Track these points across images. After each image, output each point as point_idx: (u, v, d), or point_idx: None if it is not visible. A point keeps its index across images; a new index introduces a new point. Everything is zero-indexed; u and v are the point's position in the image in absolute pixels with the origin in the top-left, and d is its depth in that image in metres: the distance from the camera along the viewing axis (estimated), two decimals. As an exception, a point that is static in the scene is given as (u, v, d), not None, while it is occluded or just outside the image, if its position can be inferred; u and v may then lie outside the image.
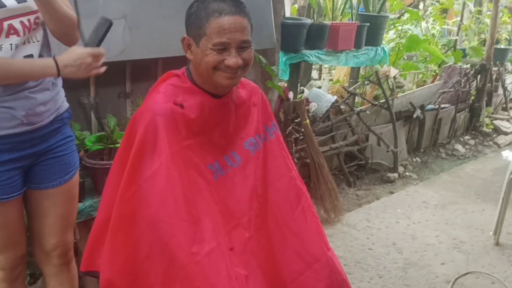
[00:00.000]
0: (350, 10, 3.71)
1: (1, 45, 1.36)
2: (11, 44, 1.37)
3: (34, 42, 1.45)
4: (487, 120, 5.28)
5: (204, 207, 1.38)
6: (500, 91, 5.50)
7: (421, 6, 5.11)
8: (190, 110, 1.41)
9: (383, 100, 3.94)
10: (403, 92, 4.48)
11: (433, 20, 5.43)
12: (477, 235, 3.08)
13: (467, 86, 4.87)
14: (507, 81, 5.66)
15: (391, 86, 4.04)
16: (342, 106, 3.71)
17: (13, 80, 1.39)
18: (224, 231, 1.40)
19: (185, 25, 1.40)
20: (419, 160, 4.43)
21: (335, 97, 3.47)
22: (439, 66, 5.24)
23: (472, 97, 5.02)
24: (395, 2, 4.51)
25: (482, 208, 3.50)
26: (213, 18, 1.31)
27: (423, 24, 5.31)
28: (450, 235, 3.06)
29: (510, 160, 4.61)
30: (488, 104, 5.35)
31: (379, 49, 3.81)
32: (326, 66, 5.10)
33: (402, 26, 4.42)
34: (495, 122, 5.36)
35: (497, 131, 5.29)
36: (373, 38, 3.73)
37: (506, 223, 3.02)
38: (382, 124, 4.06)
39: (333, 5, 3.46)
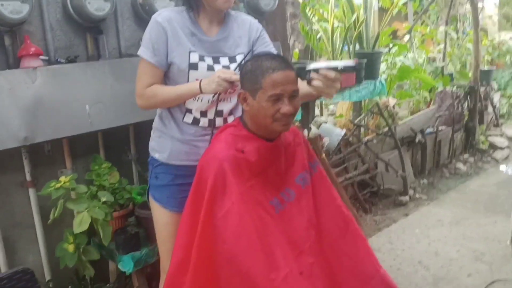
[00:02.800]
0: (346, 49, 4.00)
1: (202, 98, 1.76)
2: (209, 99, 1.76)
3: (228, 102, 1.83)
4: (482, 138, 5.55)
5: (274, 239, 1.56)
6: (490, 109, 5.81)
7: (406, 38, 5.44)
8: (250, 154, 1.62)
9: (386, 129, 4.19)
10: (400, 120, 4.75)
11: (419, 50, 5.77)
12: (495, 246, 3.26)
13: (460, 108, 5.16)
14: (495, 100, 5.98)
15: (391, 115, 4.30)
16: (350, 138, 3.94)
17: (174, 102, 1.77)
18: (292, 259, 1.58)
19: (241, 81, 1.63)
20: (426, 181, 4.65)
21: (344, 130, 3.71)
22: (430, 91, 5.54)
23: (466, 118, 5.30)
24: (383, 38, 4.82)
25: (494, 220, 3.70)
26: (268, 74, 1.54)
27: (409, 54, 5.64)
28: (469, 248, 3.24)
29: (511, 173, 4.86)
30: (481, 122, 5.63)
31: (377, 82, 4.07)
32: (324, 102, 5.36)
33: (393, 59, 4.72)
34: (490, 138, 5.64)
35: (493, 147, 5.55)
36: (371, 73, 3.99)
37: (520, 232, 3.21)
38: (388, 151, 4.29)
39: (332, 45, 3.73)
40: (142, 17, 2.47)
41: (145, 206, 2.35)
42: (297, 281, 1.53)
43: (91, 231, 2.20)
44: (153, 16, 1.75)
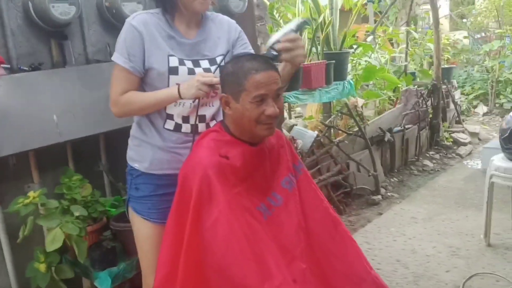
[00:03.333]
0: (315, 51, 3.99)
1: (184, 102, 1.68)
2: (190, 103, 1.68)
3: (210, 106, 1.75)
4: (446, 134, 5.68)
5: (265, 246, 1.50)
6: (452, 106, 5.96)
7: (369, 39, 5.51)
8: (235, 160, 1.55)
9: (357, 129, 4.20)
10: (368, 120, 4.79)
11: (381, 50, 5.86)
12: (469, 240, 3.31)
13: (424, 106, 5.26)
14: (456, 97, 6.14)
15: (360, 115, 4.32)
16: (321, 140, 3.93)
17: (152, 108, 1.68)
18: (284, 266, 1.52)
19: (222, 84, 1.56)
20: (396, 179, 4.70)
21: (316, 132, 3.69)
22: (394, 91, 5.63)
23: (430, 115, 5.41)
24: (348, 39, 4.86)
25: (465, 215, 3.76)
26: (251, 75, 1.49)
27: (373, 55, 5.72)
28: (445, 244, 3.28)
29: (476, 167, 4.98)
30: (444, 119, 5.77)
31: (346, 83, 4.08)
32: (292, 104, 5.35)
33: (360, 59, 4.76)
34: (453, 135, 5.78)
35: (456, 143, 5.69)
36: (340, 74, 4.00)
37: (492, 225, 3.26)
38: (359, 151, 4.31)
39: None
40: (109, 21, 2.37)
41: (120, 218, 2.24)
42: (291, 289, 1.47)
43: (63, 248, 2.07)
44: (127, 20, 1.66)
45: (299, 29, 1.63)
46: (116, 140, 2.48)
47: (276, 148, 1.71)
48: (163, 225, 1.73)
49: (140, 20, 1.65)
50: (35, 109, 2.01)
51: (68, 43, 2.24)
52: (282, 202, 1.65)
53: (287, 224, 1.62)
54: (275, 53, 1.59)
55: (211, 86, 1.59)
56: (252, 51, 1.84)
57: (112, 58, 1.67)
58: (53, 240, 1.88)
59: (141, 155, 1.77)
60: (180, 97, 1.62)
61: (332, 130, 4.18)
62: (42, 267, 2.04)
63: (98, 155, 2.47)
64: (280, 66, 1.65)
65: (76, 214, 1.99)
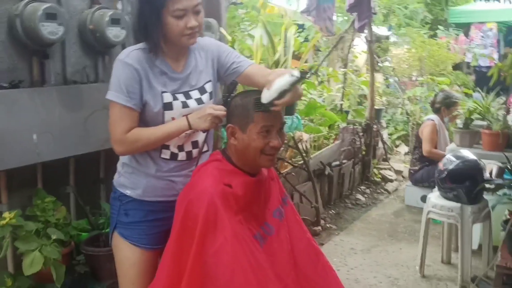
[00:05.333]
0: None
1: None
2: (186, 133, 1.72)
3: (202, 133, 1.78)
4: (375, 171, 6.08)
5: (266, 275, 1.58)
6: (380, 144, 6.41)
7: (309, 77, 5.82)
8: (237, 188, 1.64)
9: (301, 162, 4.41)
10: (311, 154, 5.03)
11: (320, 88, 6.20)
12: (405, 271, 3.58)
13: (359, 143, 5.62)
14: (384, 136, 6.61)
15: (305, 149, 4.54)
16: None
17: (160, 142, 1.71)
18: (281, 293, 1.61)
19: (229, 115, 1.66)
20: (333, 211, 4.95)
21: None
22: (329, 127, 5.96)
23: (363, 152, 5.78)
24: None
25: (399, 247, 4.06)
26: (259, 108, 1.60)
27: (314, 92, 6.03)
28: (384, 274, 3.52)
29: (402, 203, 5.38)
30: (374, 156, 6.18)
31: (294, 118, 4.30)
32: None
33: (305, 96, 5.02)
34: (381, 171, 6.19)
35: (384, 179, 6.11)
36: (289, 109, 4.20)
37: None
38: (302, 183, 4.51)
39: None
40: (90, 43, 2.37)
41: (91, 242, 2.21)
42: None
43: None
44: (120, 58, 1.67)
45: (294, 85, 1.59)
46: (85, 163, 2.47)
47: (268, 180, 1.82)
48: (151, 250, 1.76)
49: (134, 57, 1.67)
50: (15, 127, 1.96)
51: (49, 63, 2.21)
52: (274, 232, 1.75)
53: (279, 253, 1.72)
54: (268, 111, 1.60)
55: (221, 118, 1.67)
56: (238, 56, 1.86)
57: (109, 97, 1.66)
58: (31, 263, 1.82)
59: (134, 182, 1.78)
60: (190, 129, 1.68)
61: (279, 162, 4.34)
62: (9, 292, 1.95)
63: (66, 177, 2.42)
64: None
65: (54, 237, 1.94)
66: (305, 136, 4.53)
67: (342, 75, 6.12)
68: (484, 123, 3.78)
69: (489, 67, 8.18)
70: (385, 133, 6.80)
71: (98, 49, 2.38)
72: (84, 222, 2.32)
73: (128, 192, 1.78)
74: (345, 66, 6.12)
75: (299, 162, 4.46)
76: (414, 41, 8.41)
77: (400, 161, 7.43)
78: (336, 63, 6.86)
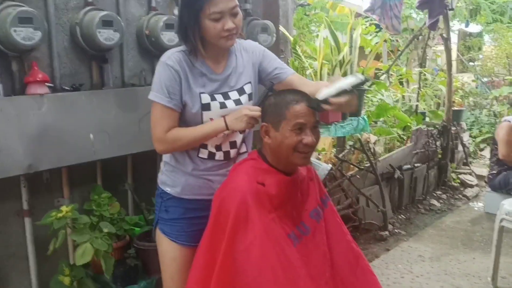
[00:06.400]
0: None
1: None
2: (224, 133, 1.75)
3: (239, 133, 1.83)
4: (453, 175, 5.75)
5: (296, 273, 1.57)
6: (460, 148, 6.05)
7: (382, 77, 5.65)
8: (270, 187, 1.64)
9: (368, 164, 4.29)
10: (379, 156, 4.87)
11: (394, 89, 5.99)
12: (476, 282, 3.35)
13: (434, 146, 5.35)
14: (464, 139, 6.23)
15: (372, 151, 4.41)
16: (334, 173, 4.01)
17: (198, 142, 1.76)
18: (313, 293, 1.59)
19: (263, 114, 1.67)
20: (403, 217, 4.75)
21: (330, 165, 3.77)
22: (403, 129, 5.74)
23: (439, 155, 5.49)
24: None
25: (472, 256, 3.80)
26: (291, 105, 1.60)
27: (386, 93, 5.85)
28: (452, 284, 3.31)
29: (482, 210, 5.03)
30: (452, 160, 5.84)
31: (361, 119, 4.19)
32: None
33: (373, 96, 4.88)
34: (460, 176, 5.84)
35: (463, 184, 5.75)
36: (355, 110, 4.12)
37: (499, 268, 3.31)
38: (368, 186, 4.38)
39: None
40: (147, 48, 2.49)
41: (144, 237, 2.31)
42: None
43: (85, 263, 2.13)
44: (162, 60, 1.73)
45: (356, 88, 1.58)
46: (142, 162, 2.59)
47: (306, 180, 1.80)
48: (190, 247, 1.80)
49: (176, 59, 1.72)
50: (74, 127, 2.11)
51: (108, 67, 2.35)
52: (310, 232, 1.73)
53: (314, 253, 1.70)
54: (320, 110, 1.61)
55: (257, 118, 1.69)
56: (282, 63, 1.89)
57: (151, 98, 1.72)
58: (83, 254, 1.94)
59: (174, 180, 1.84)
60: (227, 129, 1.71)
61: (344, 164, 4.26)
62: (67, 280, 2.10)
63: (124, 175, 2.56)
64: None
65: (105, 230, 2.06)
66: (373, 138, 4.40)
67: (418, 75, 5.86)
68: None
69: None
70: (466, 136, 6.41)
71: (154, 53, 2.49)
72: (139, 218, 2.44)
73: (168, 189, 1.85)
74: (421, 65, 5.85)
75: (366, 165, 4.34)
76: (503, 37, 7.86)
77: (484, 165, 6.96)
78: (412, 63, 6.59)
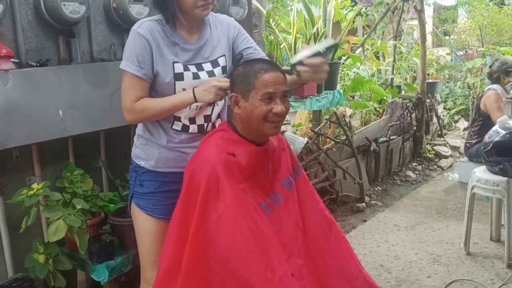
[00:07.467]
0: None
1: (190, 106, 1.74)
2: (197, 105, 1.76)
3: (216, 106, 1.81)
4: (428, 147, 5.85)
5: (267, 241, 1.58)
6: (435, 120, 6.14)
7: (358, 51, 5.66)
8: (241, 158, 1.64)
9: (344, 138, 4.33)
10: (354, 129, 4.92)
11: (369, 62, 6.01)
12: (450, 248, 3.44)
13: (409, 118, 5.42)
14: (439, 111, 6.33)
15: (348, 125, 4.45)
16: (310, 146, 4.04)
17: (167, 113, 1.74)
18: (284, 260, 1.61)
19: (232, 85, 1.66)
20: (379, 188, 4.83)
21: (306, 139, 3.79)
22: (379, 102, 5.79)
23: (414, 128, 5.57)
24: (338, 50, 4.99)
25: (446, 224, 3.90)
26: (260, 74, 1.59)
27: (361, 66, 5.87)
28: (426, 251, 3.40)
29: (456, 180, 5.14)
30: (427, 132, 5.94)
31: (336, 92, 4.21)
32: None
33: (349, 70, 4.90)
34: (435, 147, 5.95)
35: (438, 155, 5.86)
36: (331, 83, 4.12)
37: (471, 234, 3.40)
38: (345, 159, 4.43)
39: (294, 55, 3.83)
40: (115, 21, 2.44)
41: (119, 214, 2.30)
42: (291, 281, 1.56)
43: (60, 241, 2.12)
44: (134, 29, 1.71)
45: (328, 51, 1.63)
46: (116, 138, 2.56)
47: (277, 150, 1.80)
48: (165, 221, 1.80)
49: (147, 28, 1.70)
50: (42, 103, 2.07)
51: (75, 41, 2.30)
52: (282, 201, 1.74)
53: (286, 222, 1.71)
54: (295, 73, 1.63)
55: (226, 90, 1.67)
56: (254, 44, 1.90)
57: (122, 67, 1.70)
58: (56, 231, 1.93)
59: (148, 153, 1.83)
60: (196, 101, 1.69)
61: (320, 138, 4.29)
62: (41, 258, 2.09)
63: (97, 152, 2.53)
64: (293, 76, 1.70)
65: (78, 207, 2.05)
66: (348, 111, 4.43)
67: (393, 48, 5.89)
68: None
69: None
70: (440, 108, 6.50)
71: (124, 27, 2.44)
72: (114, 195, 2.42)
73: (142, 163, 1.83)
74: (395, 39, 5.87)
75: (343, 138, 4.38)
76: (476, 9, 7.92)
77: (458, 137, 7.10)
78: (388, 36, 6.61)
